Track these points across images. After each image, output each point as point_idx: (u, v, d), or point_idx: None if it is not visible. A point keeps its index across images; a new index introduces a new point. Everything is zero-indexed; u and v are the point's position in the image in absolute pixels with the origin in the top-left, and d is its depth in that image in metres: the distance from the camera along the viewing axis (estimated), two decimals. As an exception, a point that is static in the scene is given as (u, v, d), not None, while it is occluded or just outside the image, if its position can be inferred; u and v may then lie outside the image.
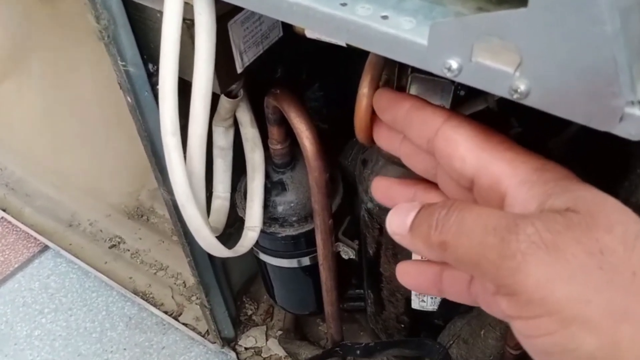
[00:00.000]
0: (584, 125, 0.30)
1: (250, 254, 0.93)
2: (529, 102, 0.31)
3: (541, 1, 0.27)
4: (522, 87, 0.31)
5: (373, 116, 0.43)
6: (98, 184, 1.21)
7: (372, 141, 0.49)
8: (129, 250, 1.13)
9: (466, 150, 0.33)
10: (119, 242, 1.14)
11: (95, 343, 1.04)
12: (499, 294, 0.27)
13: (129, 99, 0.51)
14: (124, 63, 0.48)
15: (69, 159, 1.20)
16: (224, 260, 0.87)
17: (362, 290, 0.84)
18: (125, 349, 1.03)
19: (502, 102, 0.54)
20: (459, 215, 0.29)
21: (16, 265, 1.17)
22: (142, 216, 1.19)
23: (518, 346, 0.65)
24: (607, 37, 0.26)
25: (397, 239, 0.33)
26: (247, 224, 0.62)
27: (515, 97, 0.31)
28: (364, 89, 0.43)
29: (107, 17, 0.45)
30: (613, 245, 0.26)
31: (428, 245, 0.30)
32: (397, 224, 0.33)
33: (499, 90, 0.32)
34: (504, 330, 0.65)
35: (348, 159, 0.70)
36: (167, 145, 0.46)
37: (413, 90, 0.47)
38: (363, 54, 0.46)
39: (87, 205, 1.21)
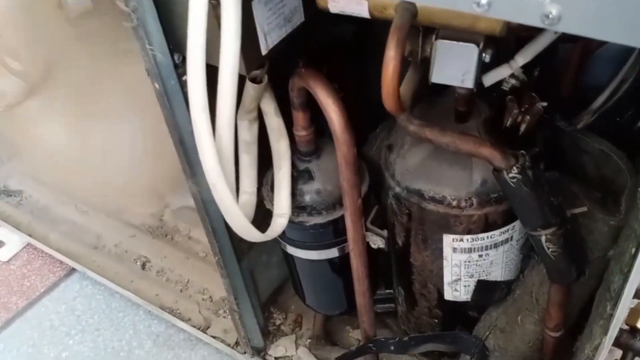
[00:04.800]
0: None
1: (277, 263, 0.92)
2: (561, 27, 0.31)
3: None
4: (554, 12, 0.31)
5: None
6: (122, 207, 1.22)
7: (400, 108, 0.49)
8: (154, 269, 1.12)
9: None
10: (144, 262, 1.14)
11: (124, 362, 1.04)
12: None
13: (157, 85, 0.52)
14: (151, 47, 0.49)
15: (92, 184, 1.21)
16: (252, 269, 0.87)
17: (391, 290, 0.83)
18: (154, 366, 1.02)
19: (527, 66, 0.54)
20: None
21: (42, 290, 1.17)
22: (166, 235, 1.19)
23: (557, 328, 0.63)
24: None
25: None
26: (275, 211, 0.62)
27: (547, 23, 0.32)
28: (391, 51, 0.44)
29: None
30: None
31: None
32: None
33: (531, 18, 0.32)
34: (542, 312, 0.64)
35: (372, 149, 0.70)
36: (197, 121, 0.47)
37: (439, 56, 0.47)
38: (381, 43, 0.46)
39: (111, 227, 1.21)
